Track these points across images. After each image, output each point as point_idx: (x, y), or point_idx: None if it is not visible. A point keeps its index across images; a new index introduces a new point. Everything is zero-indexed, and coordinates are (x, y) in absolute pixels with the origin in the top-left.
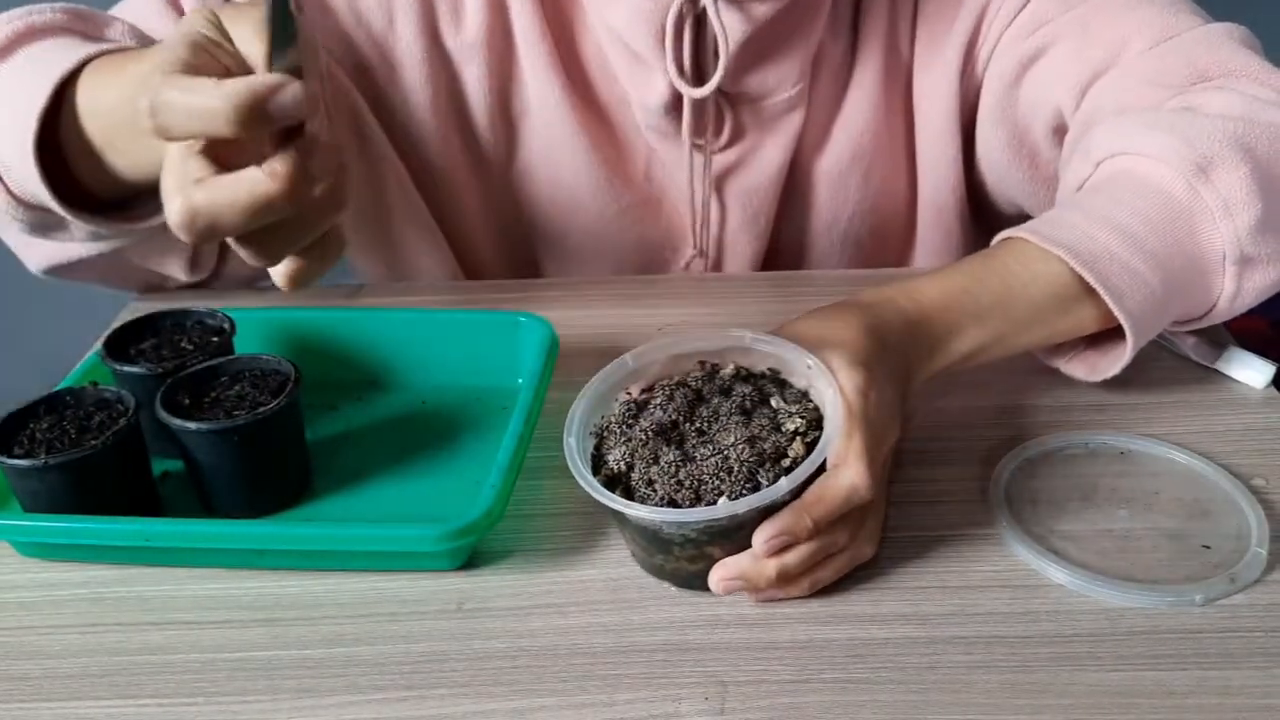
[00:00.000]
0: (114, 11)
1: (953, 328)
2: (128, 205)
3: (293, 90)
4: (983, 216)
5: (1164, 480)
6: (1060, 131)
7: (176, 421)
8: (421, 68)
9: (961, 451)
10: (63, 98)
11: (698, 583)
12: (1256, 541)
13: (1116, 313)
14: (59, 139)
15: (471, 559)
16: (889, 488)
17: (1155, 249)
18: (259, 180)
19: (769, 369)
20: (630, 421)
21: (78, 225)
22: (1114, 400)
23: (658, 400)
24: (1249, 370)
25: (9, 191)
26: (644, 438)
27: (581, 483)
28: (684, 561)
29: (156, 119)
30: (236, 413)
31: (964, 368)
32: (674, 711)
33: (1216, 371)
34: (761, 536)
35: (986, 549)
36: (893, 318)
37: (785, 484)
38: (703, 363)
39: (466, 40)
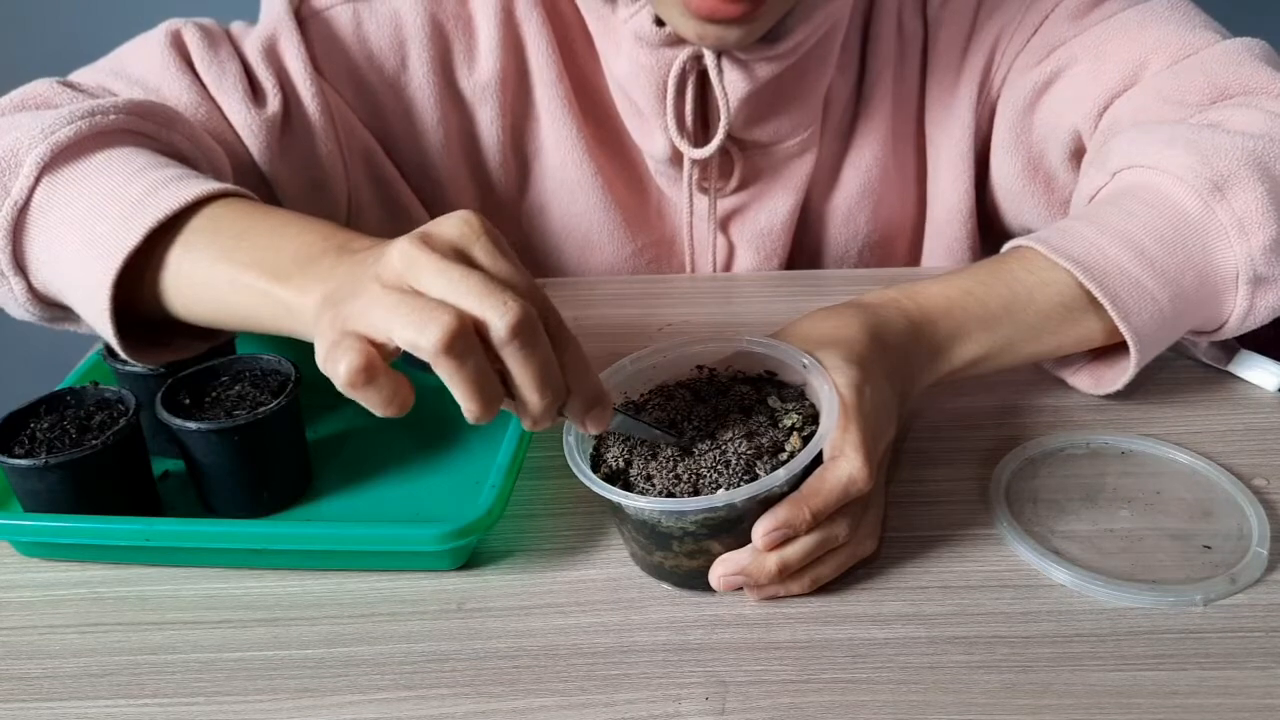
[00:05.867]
0: (115, 60)
1: (956, 332)
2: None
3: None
4: (991, 238)
5: (1165, 480)
6: (1077, 155)
7: (177, 421)
8: (435, 109)
9: (962, 451)
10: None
11: (697, 581)
12: (1257, 541)
13: (1123, 329)
14: (130, 274)
15: (472, 559)
16: (888, 488)
17: (1166, 266)
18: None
19: (766, 370)
20: None
21: (114, 348)
22: (1114, 400)
23: (656, 401)
24: (1260, 372)
25: (30, 290)
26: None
27: (580, 477)
28: (683, 557)
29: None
30: (237, 412)
31: (969, 374)
32: (675, 711)
33: (1217, 372)
34: (761, 529)
35: (987, 549)
36: (895, 319)
37: (783, 474)
38: (700, 367)
39: (481, 81)
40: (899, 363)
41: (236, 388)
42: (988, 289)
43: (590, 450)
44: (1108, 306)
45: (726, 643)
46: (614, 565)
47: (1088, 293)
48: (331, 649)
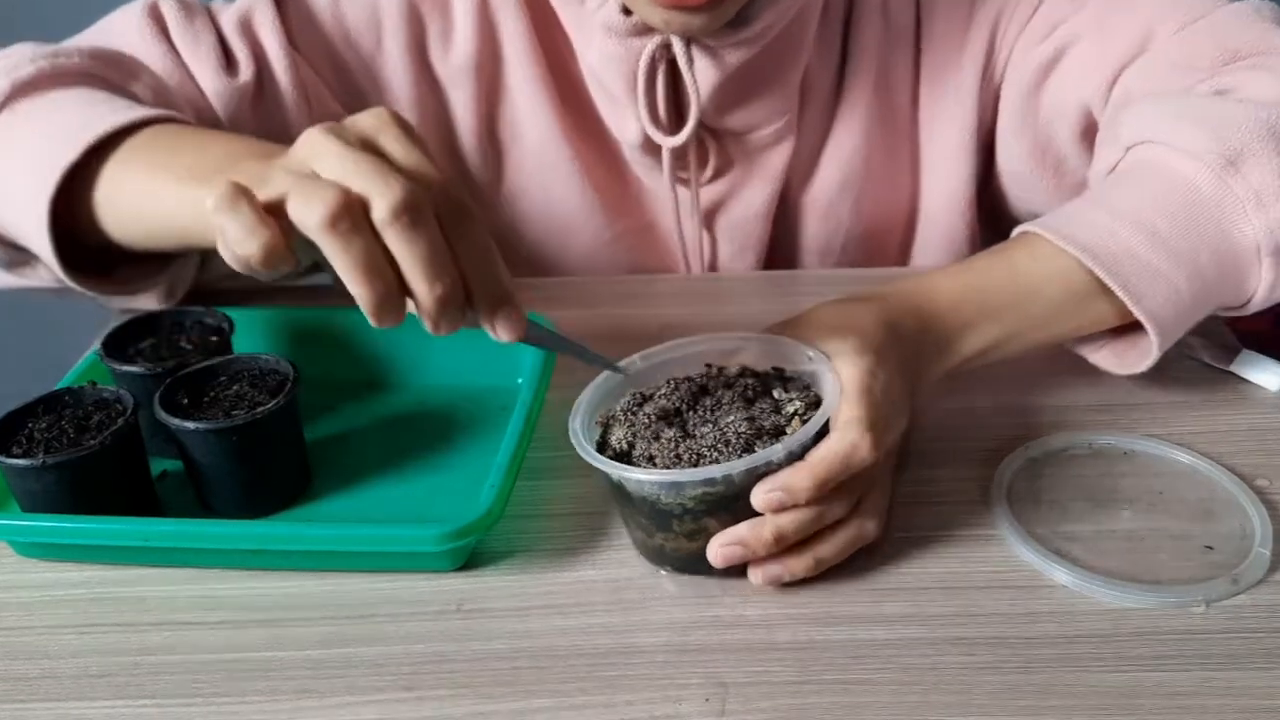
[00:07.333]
0: (95, 31)
1: (965, 324)
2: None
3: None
4: (996, 229)
5: (1167, 481)
6: (1088, 134)
7: (175, 421)
8: (410, 90)
9: (964, 452)
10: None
11: (698, 565)
12: (1260, 542)
13: (1137, 313)
14: (73, 197)
15: (471, 559)
16: (893, 483)
17: (1179, 247)
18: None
19: (773, 366)
20: (635, 410)
21: (59, 277)
22: (1117, 401)
23: (662, 391)
24: (1262, 373)
25: None
26: (647, 421)
27: (583, 454)
28: (683, 539)
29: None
30: (235, 412)
31: (980, 364)
32: (674, 713)
33: (1220, 372)
34: (761, 489)
35: (989, 549)
36: (907, 311)
37: (780, 448)
38: (709, 365)
39: (455, 63)
40: (911, 355)
41: (235, 387)
42: (995, 281)
43: (597, 436)
44: (1119, 292)
45: (727, 644)
46: (614, 566)
47: (1097, 278)
48: (330, 650)
